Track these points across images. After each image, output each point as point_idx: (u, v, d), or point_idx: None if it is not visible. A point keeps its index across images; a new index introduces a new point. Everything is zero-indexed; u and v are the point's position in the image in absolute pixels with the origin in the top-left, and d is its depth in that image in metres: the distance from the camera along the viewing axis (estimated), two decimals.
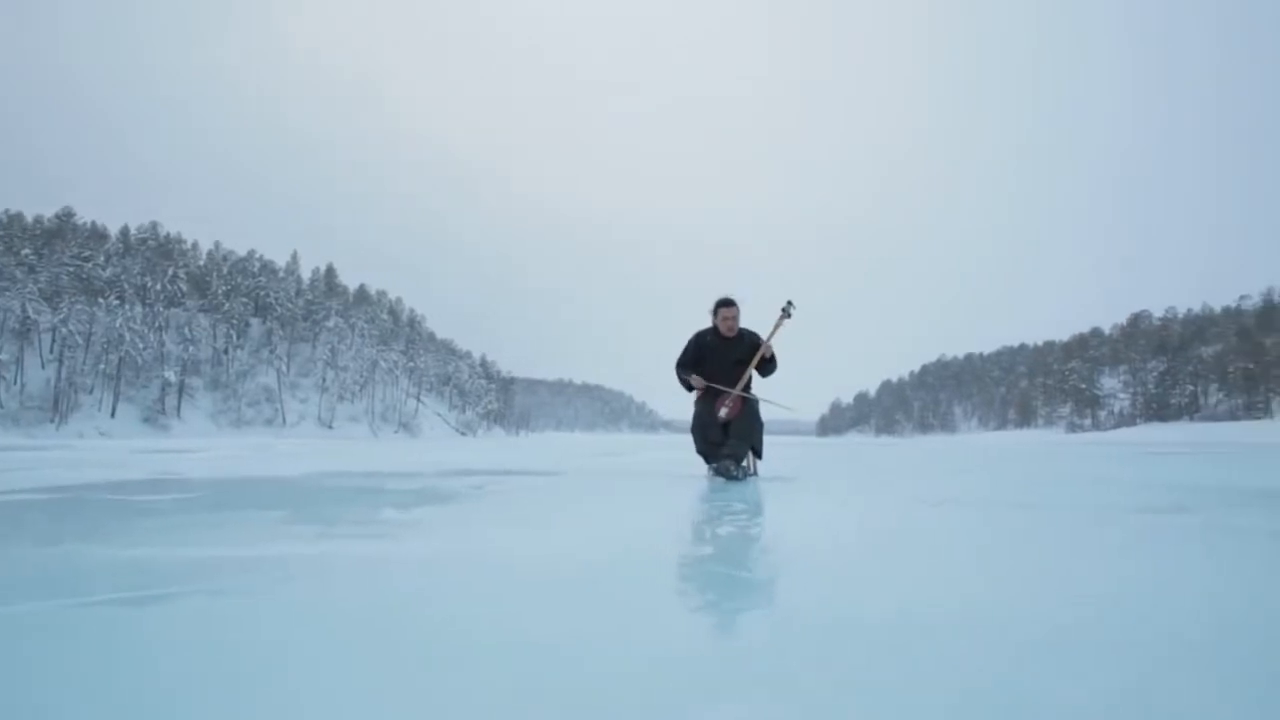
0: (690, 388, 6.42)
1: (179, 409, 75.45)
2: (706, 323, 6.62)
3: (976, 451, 16.70)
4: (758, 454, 6.34)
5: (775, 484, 5.63)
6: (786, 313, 6.38)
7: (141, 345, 72.13)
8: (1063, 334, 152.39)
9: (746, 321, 6.51)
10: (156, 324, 75.69)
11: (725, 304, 6.42)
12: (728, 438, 6.01)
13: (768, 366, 6.39)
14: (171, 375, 74.14)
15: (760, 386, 6.52)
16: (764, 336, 6.39)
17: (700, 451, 6.26)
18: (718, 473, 5.82)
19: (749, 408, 6.23)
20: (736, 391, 6.19)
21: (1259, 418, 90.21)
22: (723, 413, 6.09)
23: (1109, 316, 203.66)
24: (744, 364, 6.32)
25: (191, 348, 77.60)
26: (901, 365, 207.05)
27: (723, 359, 6.36)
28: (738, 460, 5.83)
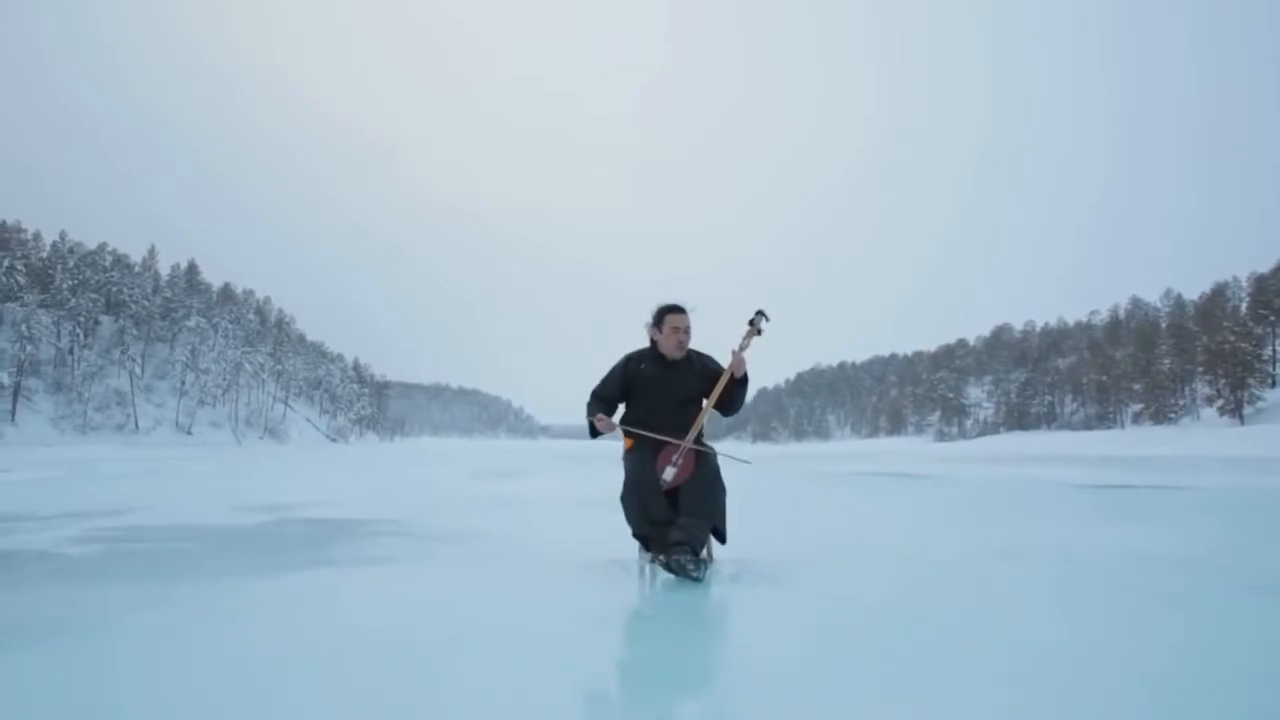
0: (595, 433, 4.32)
1: (13, 414, 68.82)
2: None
3: (917, 479, 15.67)
4: (720, 536, 4.20)
5: (764, 593, 3.59)
6: (756, 326, 4.33)
7: None
8: (930, 344, 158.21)
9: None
10: None
11: (673, 310, 4.36)
12: (677, 513, 4.05)
13: (737, 393, 4.34)
14: (5, 377, 67.57)
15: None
16: (721, 361, 4.41)
17: (639, 534, 4.23)
18: (667, 568, 3.83)
19: (705, 466, 4.16)
20: (688, 443, 4.13)
21: (1110, 427, 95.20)
22: (668, 474, 4.08)
23: (973, 328, 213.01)
24: (693, 401, 4.37)
25: (30, 346, 70.98)
26: (778, 373, 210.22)
27: (664, 394, 4.35)
28: (695, 549, 3.85)
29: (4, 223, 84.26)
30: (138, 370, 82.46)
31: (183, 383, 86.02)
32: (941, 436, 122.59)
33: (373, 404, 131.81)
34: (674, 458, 4.12)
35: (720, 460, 4.35)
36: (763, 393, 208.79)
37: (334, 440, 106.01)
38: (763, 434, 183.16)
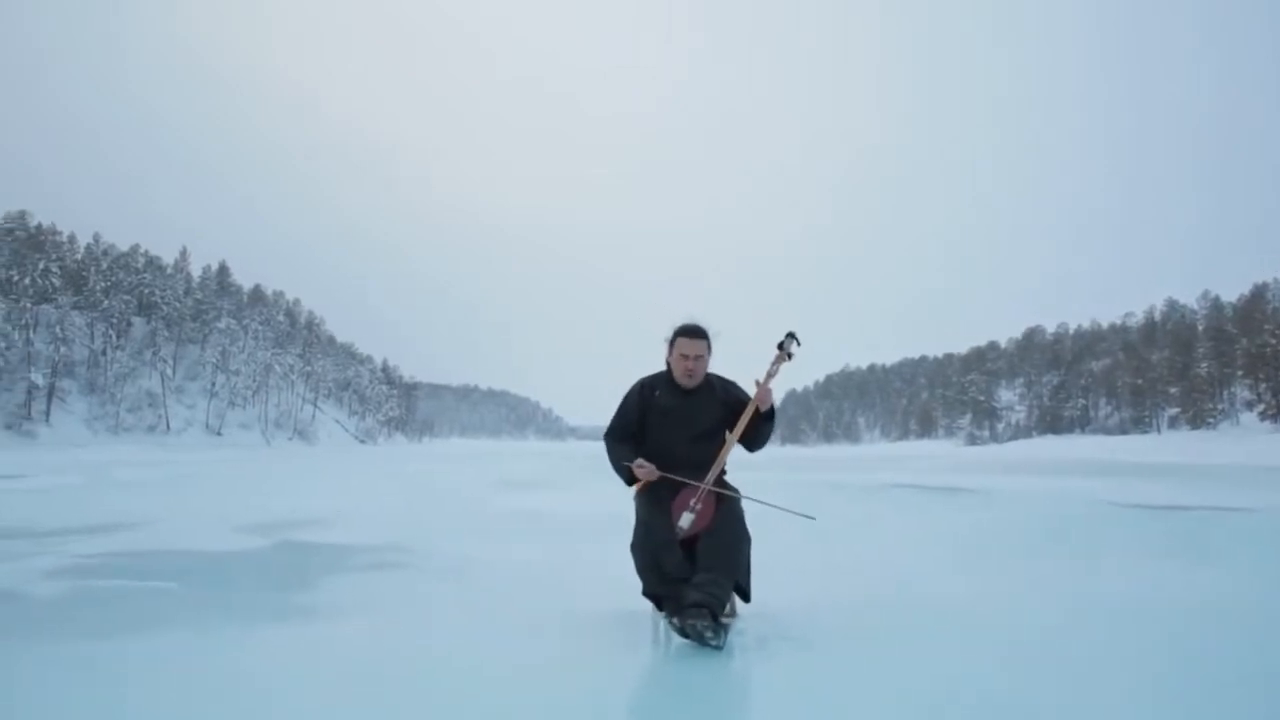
0: (632, 479, 3.81)
1: (48, 414, 69.58)
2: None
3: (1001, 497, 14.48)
4: (743, 594, 3.64)
5: (795, 663, 3.09)
6: (786, 351, 3.83)
7: (4, 345, 66.28)
8: (961, 346, 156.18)
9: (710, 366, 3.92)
10: (23, 321, 69.63)
11: (685, 333, 3.82)
12: (694, 567, 3.46)
13: (762, 429, 3.84)
14: (39, 378, 68.29)
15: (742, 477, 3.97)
16: (747, 388, 3.86)
17: (650, 592, 3.62)
18: (682, 633, 3.27)
19: (727, 512, 3.61)
20: (708, 485, 3.60)
21: (1146, 431, 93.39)
22: (685, 521, 3.53)
23: (1004, 330, 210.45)
24: (714, 434, 3.84)
25: (64, 348, 71.77)
26: (807, 375, 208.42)
27: (679, 428, 3.82)
28: (715, 612, 3.27)
29: (39, 225, 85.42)
30: (169, 371, 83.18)
31: (213, 384, 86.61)
32: (973, 440, 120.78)
33: (401, 405, 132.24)
34: (692, 502, 3.58)
35: (772, 513, 3.78)
36: (791, 395, 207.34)
37: (362, 442, 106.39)
38: (792, 436, 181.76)
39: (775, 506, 3.80)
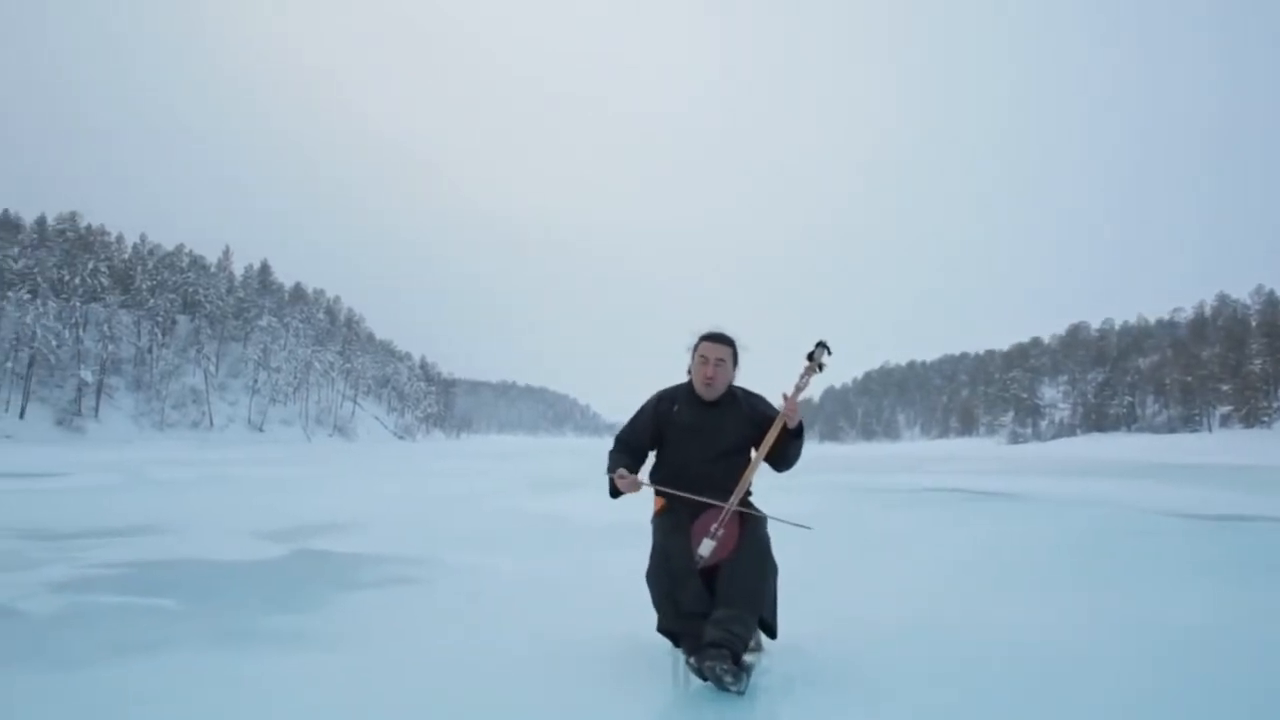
0: (616, 492, 3.53)
1: (96, 410, 71.06)
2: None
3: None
4: (769, 630, 3.30)
5: (826, 705, 2.84)
6: (817, 362, 3.51)
7: (55, 343, 67.67)
8: (1003, 343, 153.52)
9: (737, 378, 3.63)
10: (73, 320, 71.14)
11: (710, 337, 3.56)
12: (714, 601, 3.12)
13: (791, 447, 3.52)
14: (89, 375, 69.74)
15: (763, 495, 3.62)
16: (773, 401, 3.55)
17: (666, 628, 3.27)
18: (700, 675, 2.93)
19: (752, 538, 3.28)
20: (732, 505, 3.29)
21: (1196, 430, 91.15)
22: (705, 549, 3.20)
23: (1047, 326, 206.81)
24: (738, 452, 3.53)
25: (111, 346, 73.18)
26: (845, 371, 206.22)
27: (699, 445, 3.51)
28: (736, 653, 2.95)
29: (89, 226, 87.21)
30: (212, 369, 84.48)
31: (255, 381, 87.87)
32: (1015, 438, 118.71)
33: (440, 402, 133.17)
34: (713, 527, 3.24)
35: (796, 529, 3.41)
36: (829, 391, 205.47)
37: (401, 438, 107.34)
38: (830, 434, 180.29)
39: (769, 516, 3.44)
